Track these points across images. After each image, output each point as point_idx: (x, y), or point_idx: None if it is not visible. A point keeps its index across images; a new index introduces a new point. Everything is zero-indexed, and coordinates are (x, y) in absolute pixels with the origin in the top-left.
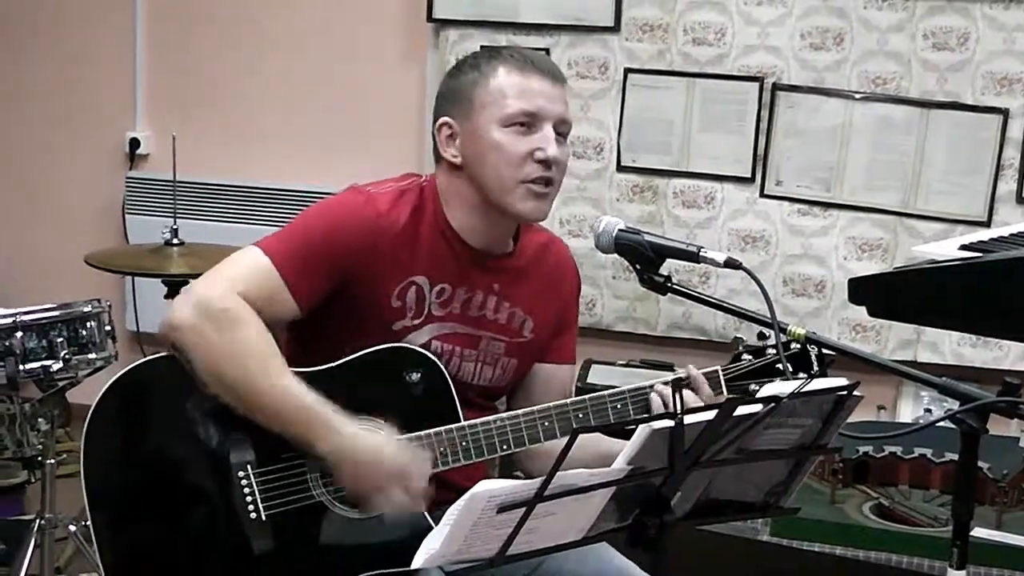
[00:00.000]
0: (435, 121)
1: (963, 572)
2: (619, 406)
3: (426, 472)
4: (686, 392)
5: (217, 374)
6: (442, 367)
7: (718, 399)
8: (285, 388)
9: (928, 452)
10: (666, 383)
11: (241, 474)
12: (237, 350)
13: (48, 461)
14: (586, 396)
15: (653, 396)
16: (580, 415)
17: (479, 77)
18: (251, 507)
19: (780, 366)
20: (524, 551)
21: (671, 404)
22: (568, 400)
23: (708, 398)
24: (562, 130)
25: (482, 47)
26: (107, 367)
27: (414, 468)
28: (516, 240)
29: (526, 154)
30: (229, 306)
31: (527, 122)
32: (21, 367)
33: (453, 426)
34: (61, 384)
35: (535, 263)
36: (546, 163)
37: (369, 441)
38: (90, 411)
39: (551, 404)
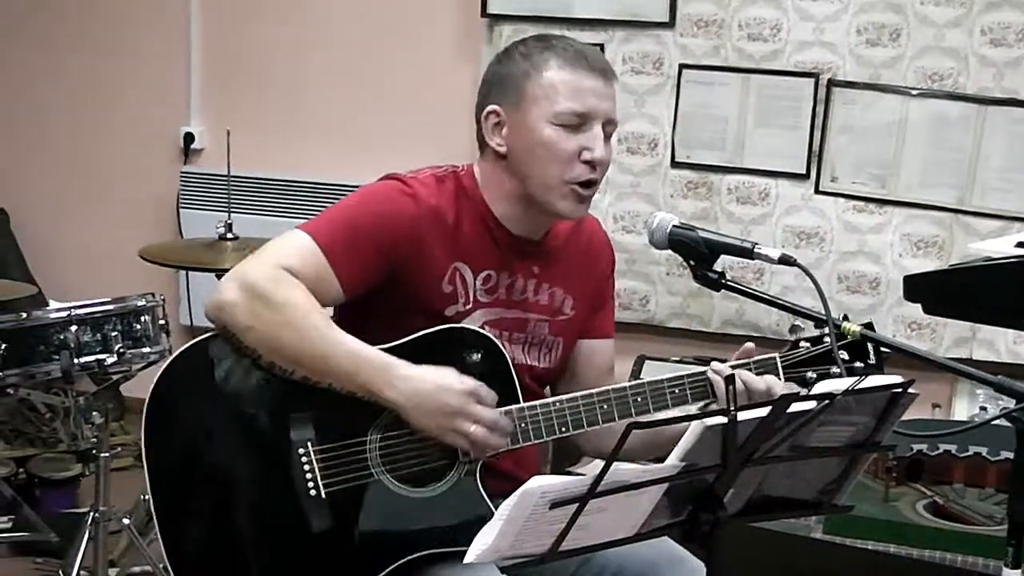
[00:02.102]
0: (482, 107)
1: (1018, 571)
2: (677, 391)
3: (492, 397)
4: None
5: (272, 344)
6: (502, 348)
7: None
8: (341, 344)
9: (983, 450)
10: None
11: (301, 451)
12: (288, 317)
13: (102, 454)
14: (644, 380)
15: (712, 376)
16: (639, 399)
17: (531, 69)
18: (311, 484)
19: (834, 354)
20: (576, 547)
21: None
22: (627, 383)
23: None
24: (608, 130)
25: (532, 36)
26: (161, 361)
27: (478, 392)
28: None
29: (574, 153)
30: (273, 277)
31: (577, 121)
32: (76, 361)
33: (512, 407)
34: (115, 378)
35: (569, 242)
36: (592, 164)
37: (430, 374)
38: (148, 394)
39: (609, 387)
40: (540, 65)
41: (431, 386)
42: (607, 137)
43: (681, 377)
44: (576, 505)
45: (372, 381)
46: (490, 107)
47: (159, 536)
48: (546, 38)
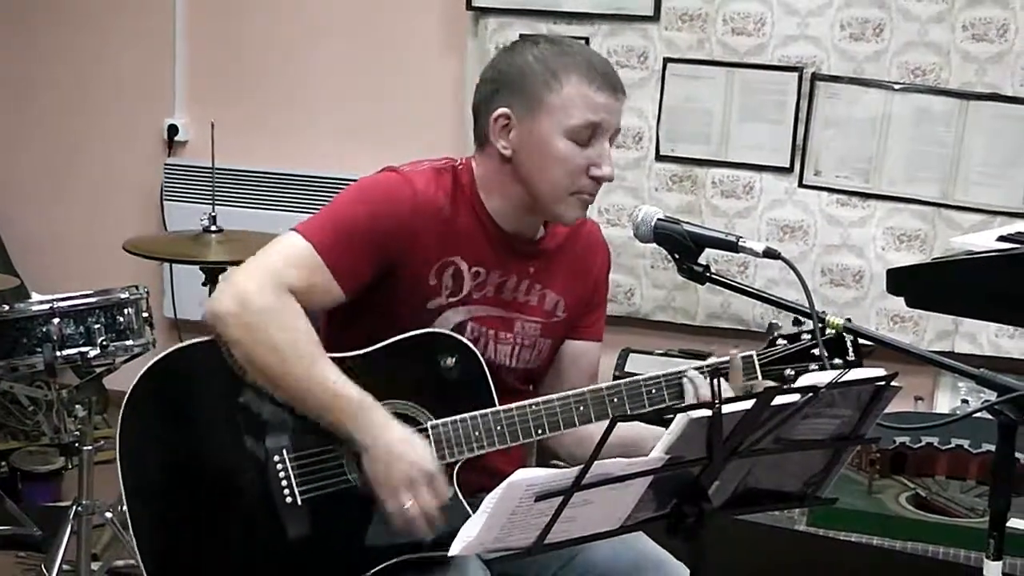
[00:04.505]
0: (488, 106)
1: (999, 563)
2: (654, 391)
3: (444, 491)
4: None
5: (258, 364)
6: (477, 352)
7: (752, 383)
8: (325, 377)
9: (966, 443)
10: (700, 368)
11: (276, 459)
12: (277, 340)
13: (85, 447)
14: (621, 381)
15: (685, 383)
16: (615, 399)
17: (551, 79)
18: (286, 491)
19: (816, 351)
20: (562, 540)
21: (701, 391)
22: (603, 384)
23: (739, 388)
24: (613, 140)
25: (542, 37)
26: (145, 354)
27: (436, 480)
28: (546, 223)
29: (582, 168)
30: (269, 296)
31: (588, 136)
32: (58, 353)
33: (488, 410)
34: (98, 371)
35: (567, 244)
36: (599, 180)
37: (403, 436)
38: (126, 396)
39: (586, 388)
40: (561, 77)
41: (400, 446)
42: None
43: (658, 377)
44: (562, 498)
45: (346, 419)
46: (501, 109)
47: (133, 541)
48: (560, 43)
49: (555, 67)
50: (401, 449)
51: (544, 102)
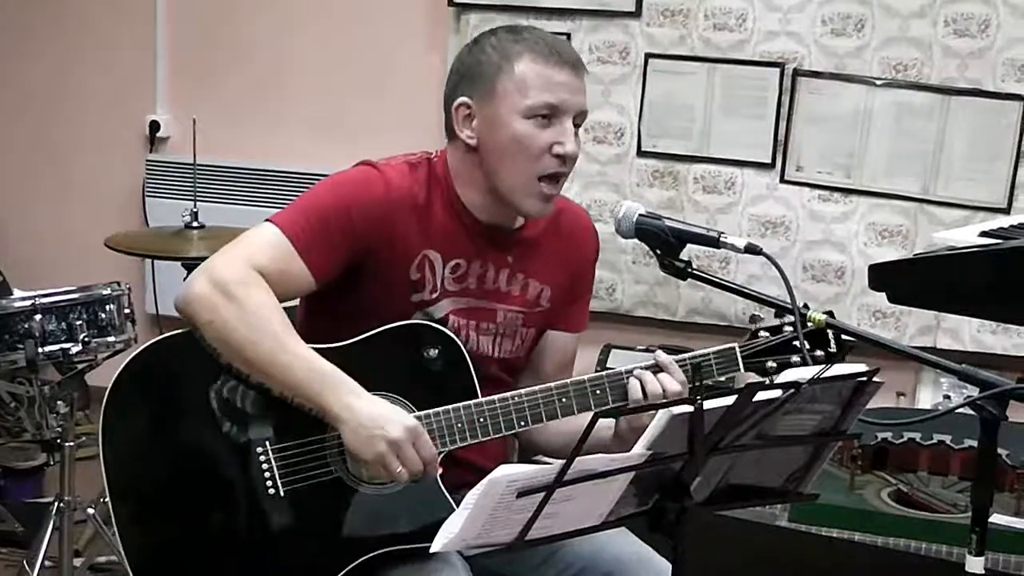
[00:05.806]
0: (452, 98)
1: (982, 558)
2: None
3: (430, 447)
4: (663, 377)
5: (229, 342)
6: (460, 344)
7: (732, 374)
8: (296, 354)
9: (947, 438)
10: (646, 367)
11: (259, 450)
12: (249, 318)
13: (67, 443)
14: (603, 372)
15: (631, 381)
16: (598, 391)
17: (502, 62)
18: (269, 483)
19: (797, 343)
20: (543, 536)
21: (649, 387)
22: (586, 376)
23: (683, 383)
24: (578, 121)
25: (503, 27)
26: (126, 350)
27: (420, 436)
28: None
29: (544, 147)
30: (241, 277)
31: (548, 115)
32: (40, 350)
33: (471, 402)
34: (80, 367)
35: (549, 232)
36: (563, 158)
37: (378, 407)
38: (107, 390)
39: (568, 380)
40: (512, 58)
41: (377, 413)
42: (576, 128)
43: (631, 369)
44: (543, 494)
45: (321, 393)
46: (460, 99)
47: (116, 535)
48: (517, 30)
49: (508, 51)
50: (377, 414)
51: (499, 86)
